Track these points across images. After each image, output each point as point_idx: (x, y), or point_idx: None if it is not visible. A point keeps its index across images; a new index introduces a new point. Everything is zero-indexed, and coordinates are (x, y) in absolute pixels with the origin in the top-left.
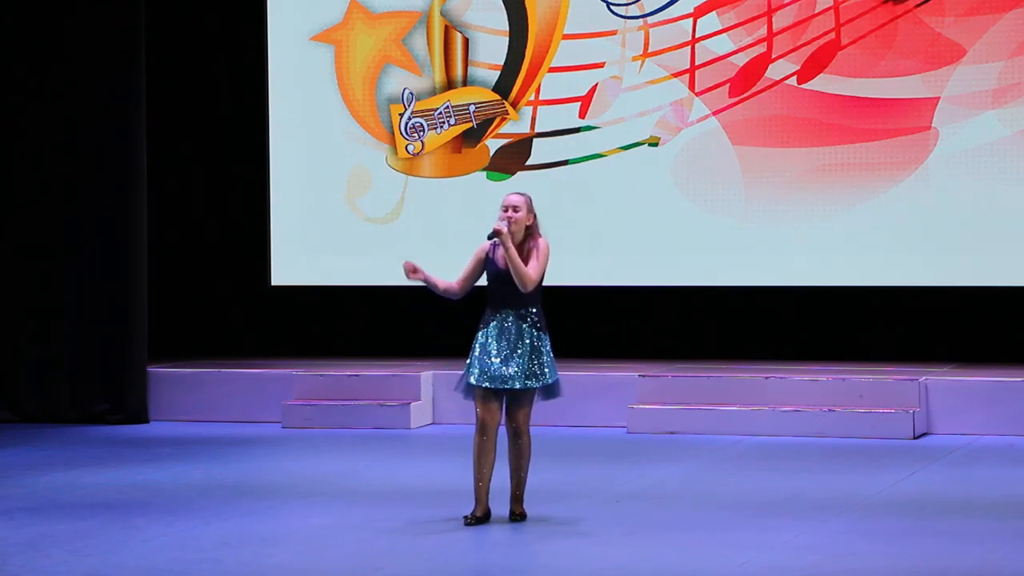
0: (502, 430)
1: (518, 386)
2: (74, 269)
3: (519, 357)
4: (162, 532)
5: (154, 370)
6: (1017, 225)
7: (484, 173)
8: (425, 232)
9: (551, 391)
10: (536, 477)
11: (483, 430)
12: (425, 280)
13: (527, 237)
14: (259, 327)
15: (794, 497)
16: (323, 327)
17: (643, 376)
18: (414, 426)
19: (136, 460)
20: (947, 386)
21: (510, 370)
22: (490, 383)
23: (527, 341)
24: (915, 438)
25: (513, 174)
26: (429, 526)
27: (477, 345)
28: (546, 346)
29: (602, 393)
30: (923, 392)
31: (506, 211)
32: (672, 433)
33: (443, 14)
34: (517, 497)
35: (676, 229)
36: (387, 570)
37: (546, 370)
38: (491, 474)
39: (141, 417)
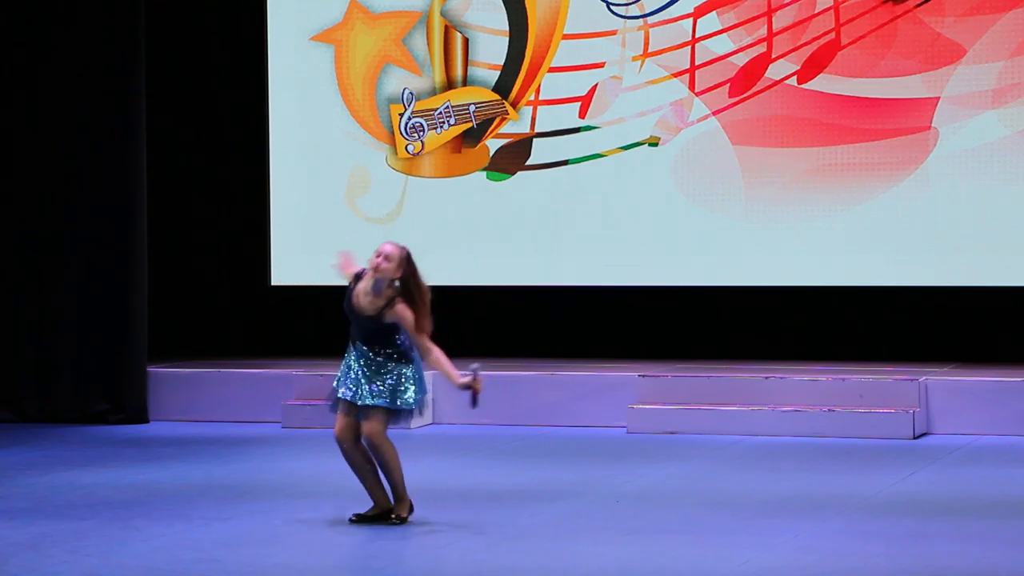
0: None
1: (358, 402)
2: (74, 269)
3: (372, 374)
4: (162, 532)
5: (154, 370)
6: (1017, 225)
7: (484, 173)
8: (425, 232)
9: (398, 416)
10: (536, 477)
11: (339, 444)
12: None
13: (391, 296)
14: (259, 327)
15: (794, 497)
16: (323, 327)
17: (643, 376)
18: (414, 426)
19: (136, 460)
20: (947, 386)
21: (361, 385)
22: (345, 393)
23: (385, 366)
24: (915, 438)
25: (513, 174)
26: (429, 526)
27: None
28: (404, 371)
29: (602, 393)
30: (923, 392)
31: (377, 256)
32: (672, 433)
33: (443, 14)
34: (398, 498)
35: (676, 229)
36: (387, 570)
37: (395, 392)
38: (370, 475)
39: (141, 417)
